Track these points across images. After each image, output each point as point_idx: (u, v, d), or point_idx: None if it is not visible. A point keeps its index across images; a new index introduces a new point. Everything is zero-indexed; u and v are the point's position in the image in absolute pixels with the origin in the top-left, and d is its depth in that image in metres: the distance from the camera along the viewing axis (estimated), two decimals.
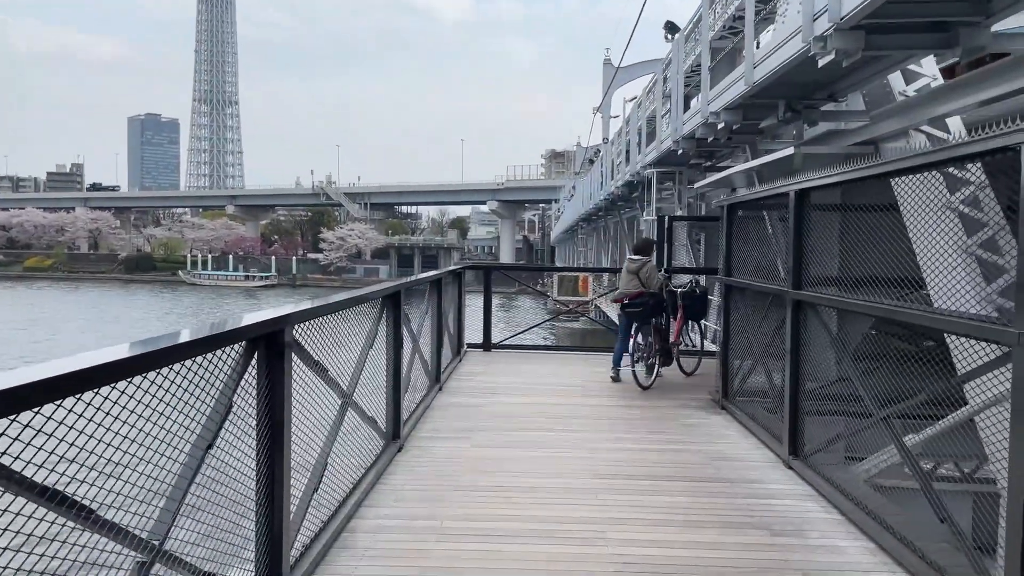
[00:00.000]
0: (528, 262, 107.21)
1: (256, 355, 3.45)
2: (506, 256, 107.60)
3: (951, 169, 5.20)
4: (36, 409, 1.90)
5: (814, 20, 6.44)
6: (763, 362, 7.36)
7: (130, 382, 2.33)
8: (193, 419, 2.89)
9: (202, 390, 2.94)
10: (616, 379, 9.80)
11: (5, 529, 1.86)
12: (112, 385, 2.23)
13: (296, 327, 3.86)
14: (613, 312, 27.56)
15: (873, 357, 5.47)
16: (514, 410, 8.22)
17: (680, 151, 12.74)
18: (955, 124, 7.28)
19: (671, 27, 18.49)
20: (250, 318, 3.46)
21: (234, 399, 3.16)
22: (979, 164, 4.52)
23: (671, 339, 10.30)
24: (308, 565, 3.99)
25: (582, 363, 11.58)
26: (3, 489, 1.87)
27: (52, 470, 1.99)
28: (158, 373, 2.51)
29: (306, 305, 4.11)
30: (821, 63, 6.39)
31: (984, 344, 3.77)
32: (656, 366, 9.68)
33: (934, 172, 5.05)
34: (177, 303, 77.50)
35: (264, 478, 3.50)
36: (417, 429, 7.23)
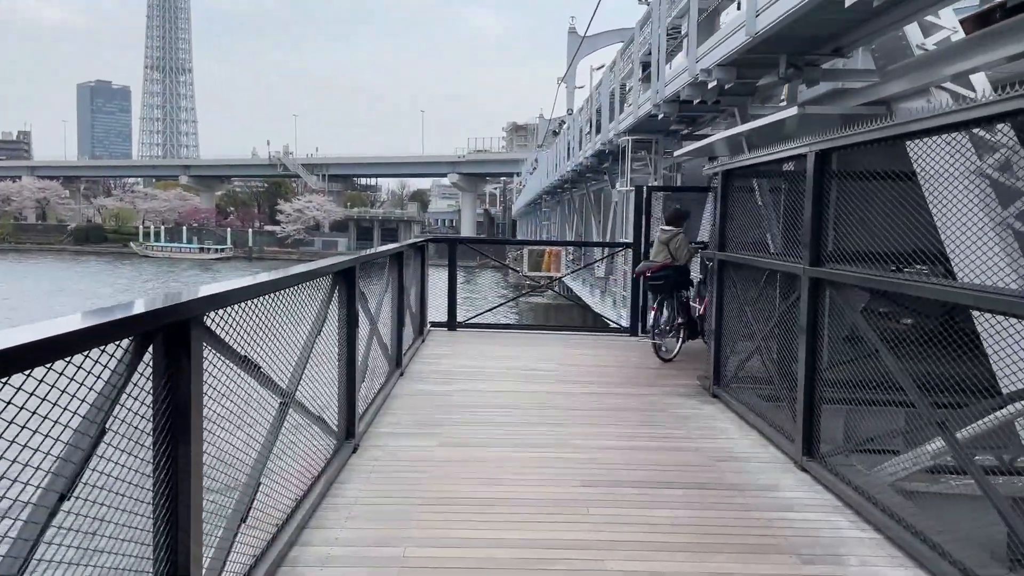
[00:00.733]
0: (489, 235, 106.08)
1: (151, 354, 2.52)
2: (467, 229, 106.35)
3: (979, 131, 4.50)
4: None
5: None
6: (765, 347, 6.57)
7: None
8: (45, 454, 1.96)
9: (65, 409, 2.01)
10: (656, 351, 9.58)
11: None
12: None
13: (213, 315, 2.93)
14: (582, 288, 26.82)
15: (895, 340, 4.74)
16: (485, 399, 7.36)
17: (661, 115, 11.86)
18: (979, 81, 6.52)
19: None
20: (142, 304, 2.53)
21: (111, 418, 2.23)
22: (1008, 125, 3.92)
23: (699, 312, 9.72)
24: None
25: (555, 343, 10.75)
26: None
27: None
28: None
29: (227, 286, 3.17)
30: (849, 2, 5.56)
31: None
32: (680, 340, 9.44)
33: (963, 133, 4.33)
34: (116, 275, 75.07)
35: (164, 521, 2.58)
36: (376, 423, 6.33)
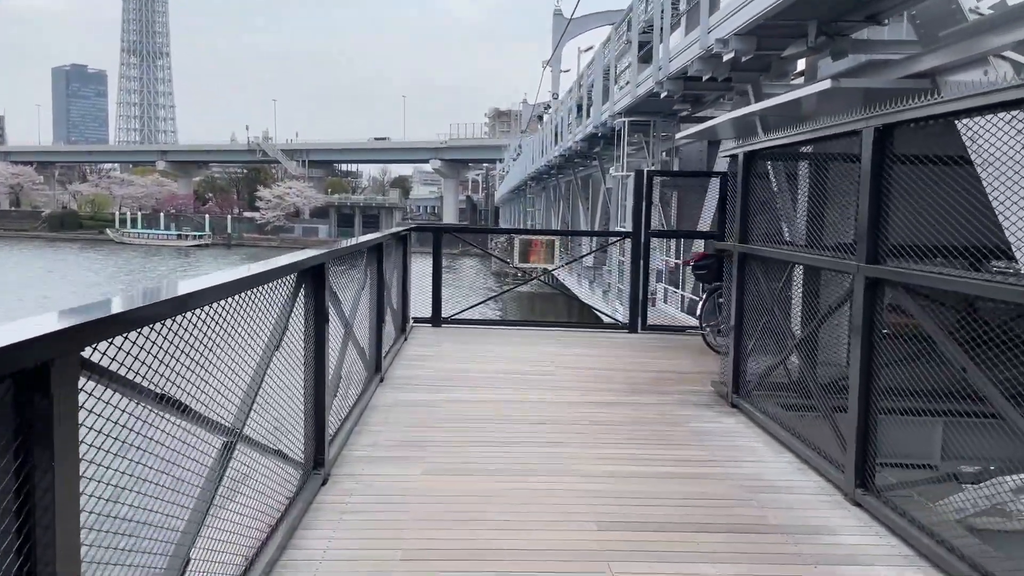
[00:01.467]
0: (472, 223, 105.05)
1: None
2: (450, 216, 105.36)
3: None
4: None
5: None
6: (800, 353, 5.74)
7: None
8: None
9: None
10: (707, 344, 9.29)
11: None
12: None
13: (103, 346, 2.04)
14: (570, 279, 25.97)
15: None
16: (475, 410, 6.49)
17: (664, 94, 10.98)
18: None
19: None
20: None
21: None
22: None
23: None
24: None
25: (548, 341, 9.88)
26: None
27: None
28: None
29: (133, 301, 2.28)
30: None
31: None
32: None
33: None
34: (79, 265, 73.41)
35: None
36: (350, 444, 5.45)
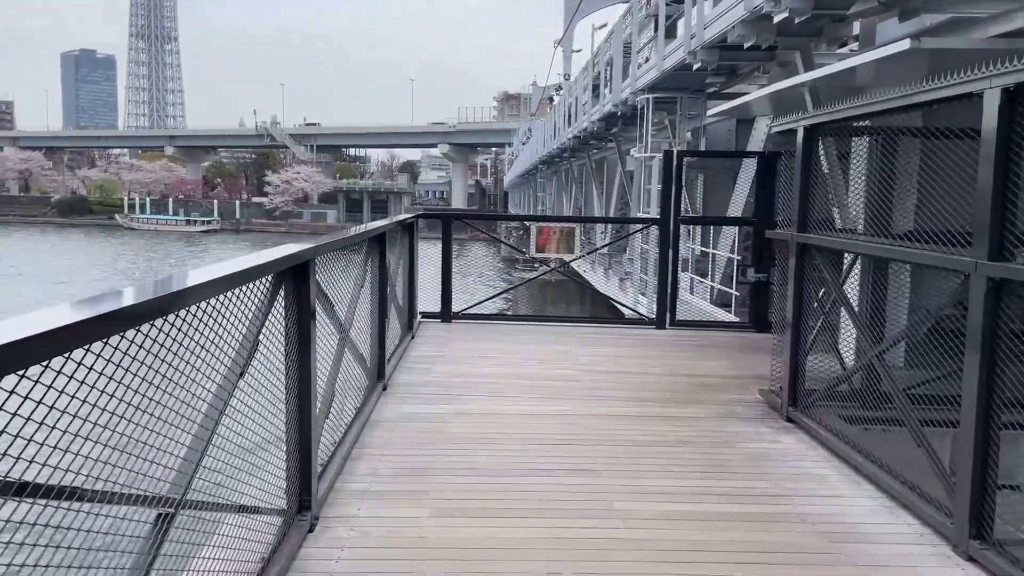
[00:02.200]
0: (481, 207, 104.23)
1: None
2: (458, 201, 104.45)
3: None
4: None
5: None
6: (881, 363, 4.84)
7: None
8: None
9: None
10: None
11: None
12: None
13: None
14: (582, 265, 25.00)
15: None
16: (490, 427, 5.62)
17: (696, 66, 10.00)
18: None
19: None
20: None
21: None
22: None
23: None
24: None
25: (568, 339, 8.98)
26: None
27: None
28: None
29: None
30: None
31: None
32: None
33: None
34: (83, 251, 72.88)
35: None
36: (345, 473, 4.58)
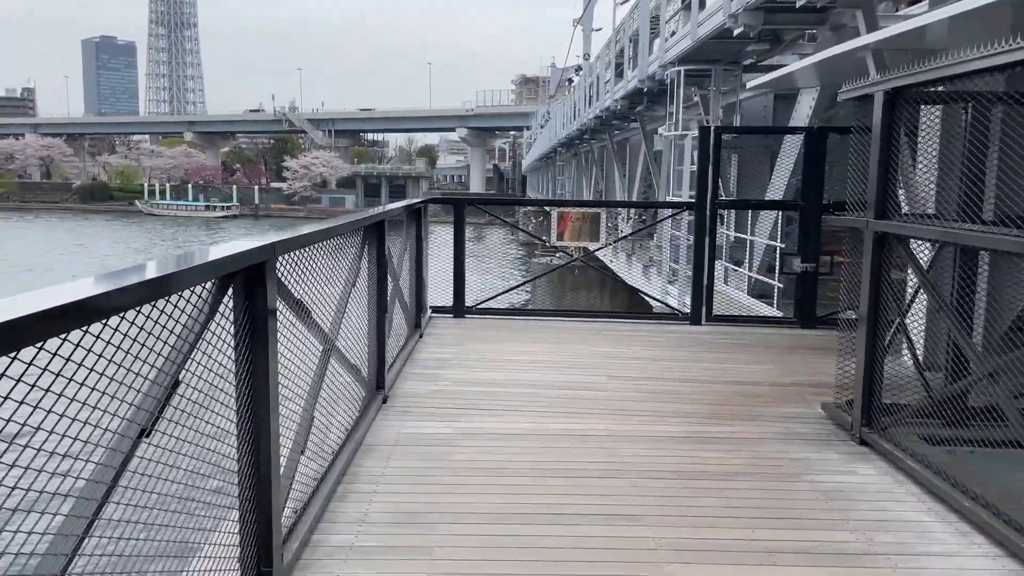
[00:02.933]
0: (499, 191, 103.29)
1: None
2: (476, 185, 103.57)
3: None
4: None
5: None
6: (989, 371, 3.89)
7: None
8: None
9: None
10: None
11: None
12: None
13: None
14: (613, 258, 23.98)
15: None
16: (507, 451, 4.73)
17: (738, 30, 8.98)
18: None
19: None
20: None
21: None
22: None
23: None
24: None
25: (595, 337, 8.07)
26: None
27: None
28: None
29: None
30: None
31: None
32: None
33: None
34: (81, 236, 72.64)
35: None
36: (327, 521, 3.70)
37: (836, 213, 8.73)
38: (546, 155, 51.46)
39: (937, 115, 4.93)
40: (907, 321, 5.02)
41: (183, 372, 2.34)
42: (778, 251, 9.67)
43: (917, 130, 4.83)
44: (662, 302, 10.24)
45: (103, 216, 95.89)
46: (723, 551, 3.48)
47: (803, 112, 10.12)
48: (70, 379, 1.69)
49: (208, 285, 2.56)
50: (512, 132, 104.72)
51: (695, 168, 11.90)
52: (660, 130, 13.97)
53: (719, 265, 12.17)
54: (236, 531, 2.83)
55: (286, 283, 3.27)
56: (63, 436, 1.68)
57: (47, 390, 1.61)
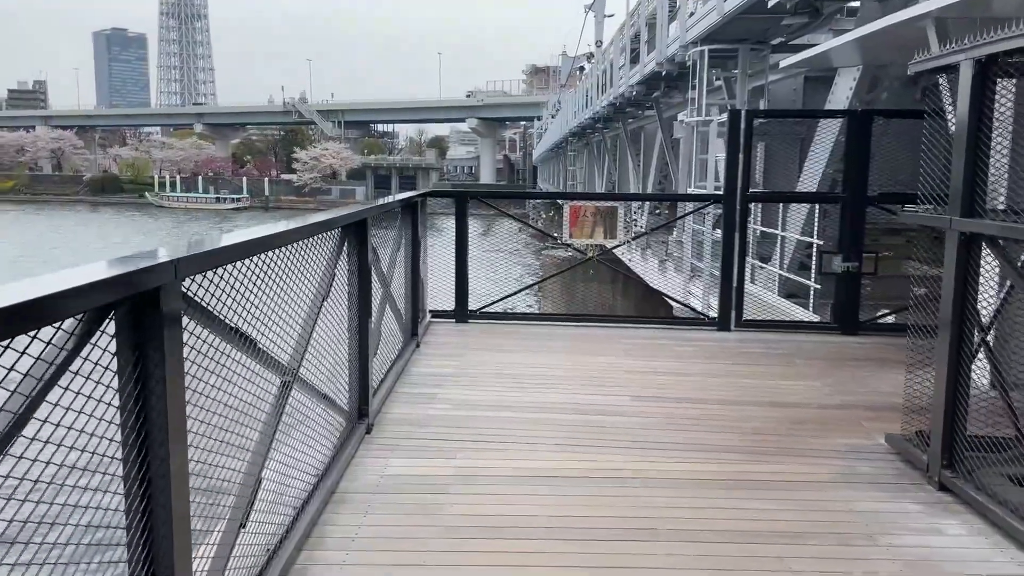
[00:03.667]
0: (509, 182, 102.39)
1: None
2: (487, 177, 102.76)
3: None
4: None
5: None
6: None
7: None
8: None
9: None
10: None
11: None
12: None
13: None
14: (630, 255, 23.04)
15: None
16: (509, 504, 3.89)
17: (775, 0, 8.06)
18: None
19: None
20: None
21: None
22: None
23: None
24: None
25: (611, 345, 7.22)
26: None
27: None
28: None
29: None
30: None
31: None
32: None
33: None
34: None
35: None
36: None
37: (882, 206, 7.93)
38: (557, 145, 50.51)
39: None
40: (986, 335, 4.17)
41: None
42: (814, 248, 8.77)
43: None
44: (687, 305, 9.35)
45: (112, 208, 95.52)
46: None
47: (841, 94, 9.20)
48: None
49: (83, 323, 1.75)
50: (522, 122, 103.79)
51: (720, 157, 11.06)
52: (680, 116, 13.04)
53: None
54: None
55: (212, 309, 2.44)
56: None
57: None
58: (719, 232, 10.58)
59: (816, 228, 9.09)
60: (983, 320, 4.14)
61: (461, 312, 8.08)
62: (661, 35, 13.44)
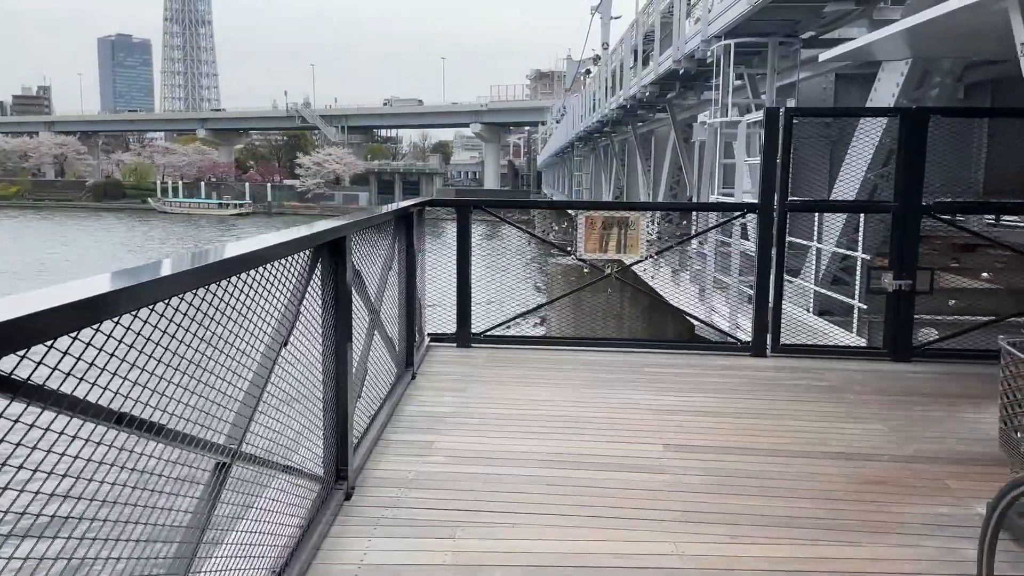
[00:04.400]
0: (514, 188, 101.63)
1: None
2: (491, 182, 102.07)
3: None
4: None
5: None
6: None
7: None
8: None
9: None
10: None
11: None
12: None
13: None
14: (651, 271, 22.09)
15: None
16: None
17: None
18: None
19: None
20: None
21: None
22: None
23: None
24: None
25: (633, 377, 6.32)
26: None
27: None
28: None
29: None
30: None
31: None
32: None
33: None
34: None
35: None
36: None
37: (938, 216, 7.05)
38: (562, 150, 49.65)
39: None
40: None
41: None
42: (860, 263, 7.87)
43: None
44: (715, 328, 8.45)
45: (115, 214, 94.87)
46: None
47: (885, 91, 8.30)
48: None
49: None
50: (527, 127, 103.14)
51: (749, 161, 10.18)
52: (701, 117, 12.15)
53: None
54: None
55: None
56: None
57: None
58: (745, 243, 9.72)
59: (861, 240, 8.18)
60: None
61: (463, 335, 7.20)
62: (678, 30, 12.56)
